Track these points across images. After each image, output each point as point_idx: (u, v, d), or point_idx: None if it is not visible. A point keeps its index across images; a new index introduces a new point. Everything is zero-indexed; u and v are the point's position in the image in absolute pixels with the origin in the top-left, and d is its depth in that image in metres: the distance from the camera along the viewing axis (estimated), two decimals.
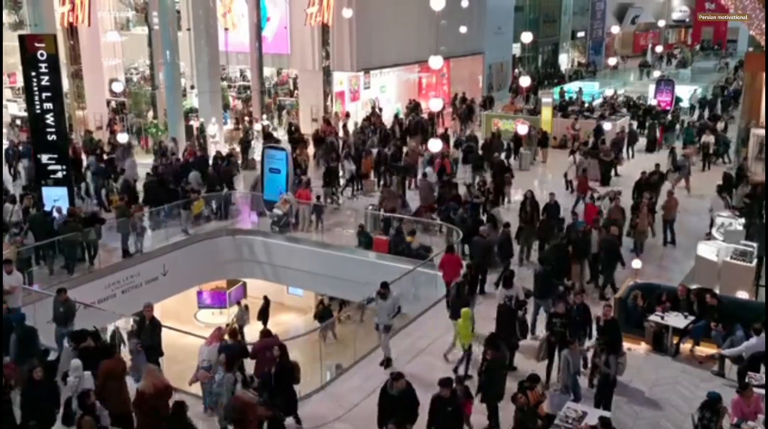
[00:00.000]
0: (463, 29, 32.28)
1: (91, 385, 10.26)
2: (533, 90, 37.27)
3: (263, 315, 20.48)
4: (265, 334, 12.02)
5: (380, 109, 32.11)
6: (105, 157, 22.93)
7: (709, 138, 26.13)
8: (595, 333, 12.17)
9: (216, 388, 10.86)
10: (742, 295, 14.24)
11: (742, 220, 17.23)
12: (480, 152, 24.61)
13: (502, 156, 24.95)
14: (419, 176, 22.38)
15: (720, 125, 28.85)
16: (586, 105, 33.50)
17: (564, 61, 53.85)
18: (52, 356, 12.08)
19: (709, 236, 17.23)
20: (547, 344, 11.91)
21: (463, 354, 12.34)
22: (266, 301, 20.59)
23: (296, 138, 26.18)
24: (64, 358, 12.14)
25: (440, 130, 28.85)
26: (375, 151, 24.06)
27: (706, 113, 33.45)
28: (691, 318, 13.05)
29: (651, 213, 18.09)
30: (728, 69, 50.19)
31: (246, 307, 20.96)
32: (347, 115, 30.55)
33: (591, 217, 17.33)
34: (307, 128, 29.06)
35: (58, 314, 12.93)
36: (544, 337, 12.02)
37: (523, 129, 25.18)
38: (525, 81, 25.73)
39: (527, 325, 12.87)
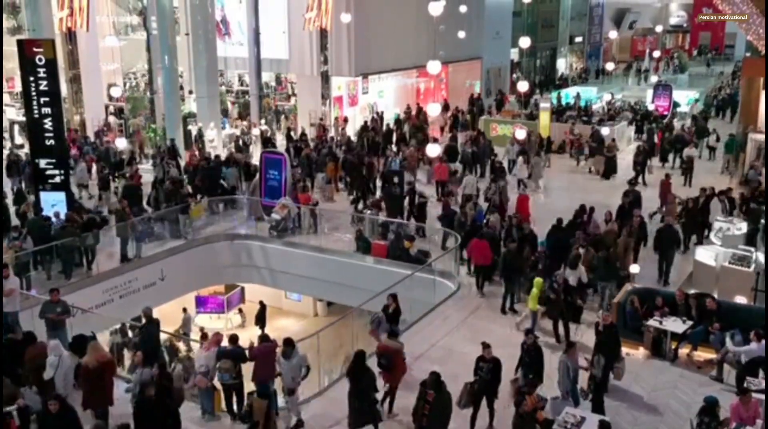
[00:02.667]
0: (461, 34, 32.46)
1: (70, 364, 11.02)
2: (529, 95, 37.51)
3: (260, 320, 20.47)
4: (264, 338, 11.98)
5: (379, 113, 32.11)
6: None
7: (691, 151, 24.85)
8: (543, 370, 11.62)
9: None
10: (741, 299, 14.23)
11: (744, 225, 17.27)
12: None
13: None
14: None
15: (712, 138, 27.89)
16: (584, 109, 33.56)
17: (562, 66, 53.97)
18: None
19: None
20: (470, 390, 10.80)
21: (530, 315, 13.97)
22: (262, 306, 20.57)
23: (299, 145, 25.99)
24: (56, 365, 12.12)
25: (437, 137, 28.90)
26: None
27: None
28: (690, 323, 13.05)
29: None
30: (721, 76, 50.10)
31: (240, 310, 21.03)
32: (345, 119, 30.57)
33: (525, 210, 18.39)
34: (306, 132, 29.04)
35: (55, 315, 12.87)
36: (466, 384, 10.87)
37: (521, 134, 25.20)
38: (523, 86, 25.74)
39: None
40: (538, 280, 13.94)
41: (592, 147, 26.67)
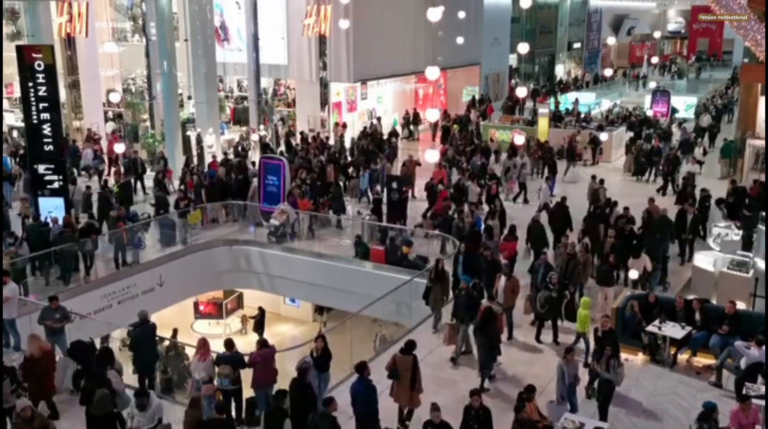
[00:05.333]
0: (459, 40, 32.48)
1: None
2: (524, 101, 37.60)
3: (259, 326, 20.41)
4: (263, 344, 11.96)
5: (378, 118, 32.14)
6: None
7: (694, 167, 24.14)
8: (592, 345, 12.18)
9: None
10: (740, 305, 14.21)
11: (740, 232, 17.30)
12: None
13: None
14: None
15: (698, 151, 27.34)
16: (582, 115, 33.62)
17: (560, 72, 54.09)
18: None
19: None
20: None
21: (578, 337, 13.31)
22: (261, 312, 20.53)
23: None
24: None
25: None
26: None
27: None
28: (689, 328, 13.04)
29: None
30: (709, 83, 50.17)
31: (244, 317, 21.00)
32: (344, 125, 30.59)
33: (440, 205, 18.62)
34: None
35: (53, 322, 12.83)
36: None
37: (519, 139, 25.22)
38: (521, 92, 25.78)
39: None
40: (585, 299, 13.55)
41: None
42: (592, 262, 15.92)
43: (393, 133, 30.00)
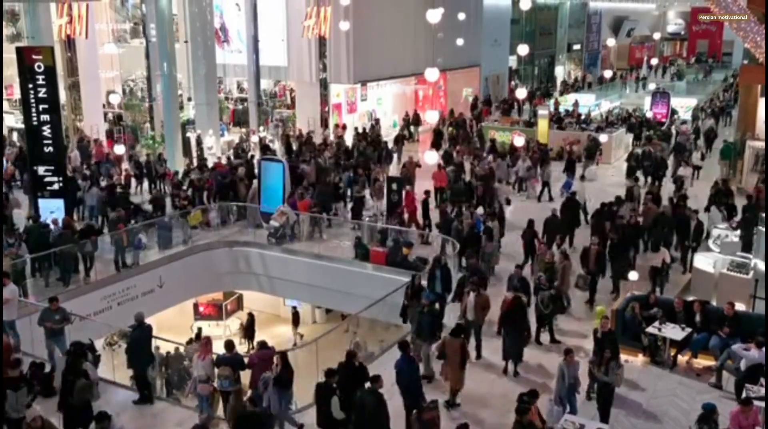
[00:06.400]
0: (459, 42, 32.50)
1: None
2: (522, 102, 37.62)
3: (249, 331, 20.32)
4: (262, 345, 11.96)
5: (377, 120, 32.13)
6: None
7: (686, 171, 24.02)
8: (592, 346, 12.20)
9: None
10: (739, 307, 14.21)
11: (739, 233, 17.29)
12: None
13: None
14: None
15: (696, 155, 27.15)
16: (582, 117, 33.61)
17: (560, 74, 54.11)
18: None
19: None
20: None
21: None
22: (251, 317, 20.44)
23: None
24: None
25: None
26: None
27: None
28: (689, 330, 13.04)
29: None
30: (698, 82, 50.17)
31: (241, 325, 20.98)
32: (344, 127, 30.59)
33: (410, 205, 19.03)
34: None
35: (53, 323, 12.84)
36: None
37: (519, 141, 25.24)
38: (521, 93, 25.79)
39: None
40: (600, 309, 13.74)
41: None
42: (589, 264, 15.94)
43: (399, 139, 29.77)
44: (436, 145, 28.84)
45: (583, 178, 22.51)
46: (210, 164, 23.79)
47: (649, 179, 24.26)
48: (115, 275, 17.39)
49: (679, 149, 26.83)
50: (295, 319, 21.78)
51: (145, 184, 23.60)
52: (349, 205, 21.36)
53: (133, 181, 23.46)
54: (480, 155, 26.38)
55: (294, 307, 22.02)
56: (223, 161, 24.26)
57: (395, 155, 27.51)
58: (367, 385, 10.30)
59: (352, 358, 10.94)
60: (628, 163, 25.52)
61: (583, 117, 33.45)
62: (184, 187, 21.44)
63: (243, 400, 10.81)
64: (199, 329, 19.14)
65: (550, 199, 23.10)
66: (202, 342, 11.95)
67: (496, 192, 21.81)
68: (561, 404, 10.91)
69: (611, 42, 57.29)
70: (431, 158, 19.11)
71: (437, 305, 13.37)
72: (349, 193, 22.00)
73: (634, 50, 64.50)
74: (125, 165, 24.67)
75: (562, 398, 10.96)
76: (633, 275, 15.49)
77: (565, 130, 30.26)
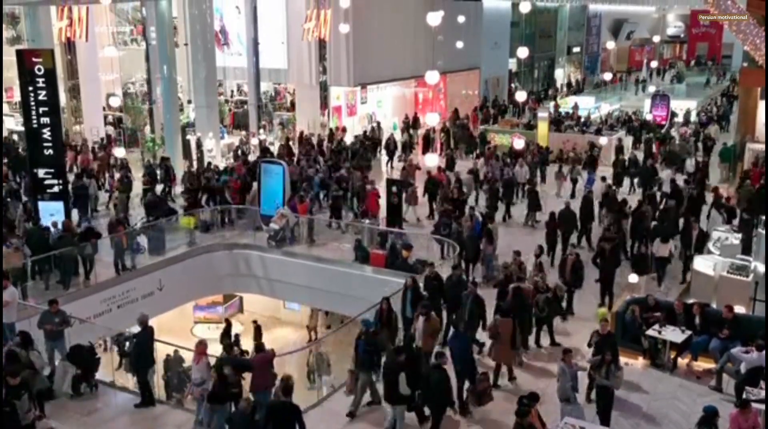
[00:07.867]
0: (459, 44, 32.54)
1: None
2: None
3: (226, 337, 19.92)
4: (259, 348, 11.93)
5: (377, 123, 32.14)
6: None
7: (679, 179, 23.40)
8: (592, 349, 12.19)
9: None
10: (739, 309, 14.21)
11: (739, 235, 17.28)
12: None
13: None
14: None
15: (690, 162, 26.41)
16: (582, 119, 33.65)
17: (560, 76, 54.15)
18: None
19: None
20: None
21: None
22: (228, 324, 19.57)
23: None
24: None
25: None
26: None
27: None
28: (689, 332, 13.04)
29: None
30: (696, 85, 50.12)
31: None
32: (344, 129, 30.61)
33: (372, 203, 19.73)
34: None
35: (52, 326, 12.81)
36: None
37: (519, 143, 25.23)
38: (521, 95, 25.80)
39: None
40: (602, 310, 13.80)
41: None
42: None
43: (407, 146, 29.61)
44: (425, 150, 28.58)
45: (604, 178, 22.48)
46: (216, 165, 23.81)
47: (633, 187, 24.32)
48: (114, 278, 17.37)
49: (672, 159, 26.40)
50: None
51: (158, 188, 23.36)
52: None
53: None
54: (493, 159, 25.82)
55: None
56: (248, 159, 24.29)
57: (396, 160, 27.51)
58: (432, 361, 11.08)
59: (411, 341, 12.15)
60: (614, 170, 25.11)
61: (582, 120, 33.50)
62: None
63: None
64: (228, 323, 19.37)
65: (572, 195, 23.08)
66: (196, 346, 11.76)
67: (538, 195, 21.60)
68: (574, 402, 10.82)
69: (611, 45, 57.35)
70: (431, 161, 19.12)
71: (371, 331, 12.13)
72: (321, 195, 22.18)
73: (634, 53, 64.54)
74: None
75: (569, 399, 10.91)
76: (633, 277, 15.50)
77: (564, 133, 30.29)
